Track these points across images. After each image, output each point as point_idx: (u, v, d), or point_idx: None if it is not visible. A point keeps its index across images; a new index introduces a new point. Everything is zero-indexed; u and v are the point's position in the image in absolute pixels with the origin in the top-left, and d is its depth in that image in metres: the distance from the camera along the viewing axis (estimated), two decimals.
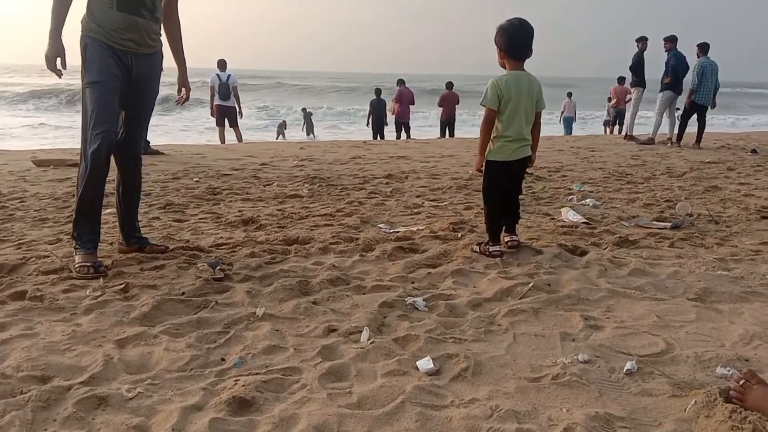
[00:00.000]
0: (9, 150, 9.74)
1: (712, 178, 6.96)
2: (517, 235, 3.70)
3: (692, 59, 10.72)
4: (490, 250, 3.54)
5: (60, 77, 3.16)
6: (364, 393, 1.95)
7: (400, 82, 15.92)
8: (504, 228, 3.67)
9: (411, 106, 15.85)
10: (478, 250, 3.59)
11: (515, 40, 3.41)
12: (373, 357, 2.21)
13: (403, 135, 15.51)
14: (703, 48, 10.59)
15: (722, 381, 2.02)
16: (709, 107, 10.70)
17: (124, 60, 3.21)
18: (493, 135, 3.49)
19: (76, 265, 3.12)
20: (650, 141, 11.05)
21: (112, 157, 3.28)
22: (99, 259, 3.22)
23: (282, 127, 21.90)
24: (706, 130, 11.03)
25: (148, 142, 8.68)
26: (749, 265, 3.43)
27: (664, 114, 11.24)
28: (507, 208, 3.65)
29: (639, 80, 11.58)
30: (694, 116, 10.81)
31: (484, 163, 3.56)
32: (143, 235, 3.61)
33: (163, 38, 3.43)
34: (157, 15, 3.29)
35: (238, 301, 2.77)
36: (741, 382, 1.82)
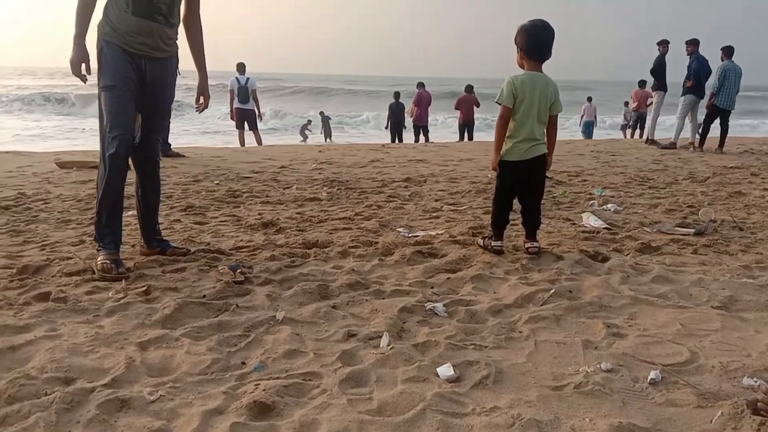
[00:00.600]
0: (33, 152, 9.89)
1: (735, 183, 6.86)
2: (537, 242, 3.67)
3: (715, 63, 10.60)
4: (492, 245, 3.61)
5: (85, 82, 3.23)
6: (385, 399, 1.94)
7: (420, 85, 15.91)
8: (525, 234, 3.70)
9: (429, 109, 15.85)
10: (482, 244, 3.69)
11: (535, 41, 3.44)
12: (393, 363, 2.20)
13: (422, 138, 15.49)
14: (728, 52, 10.46)
15: (749, 392, 1.98)
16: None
17: (139, 64, 3.24)
18: (507, 135, 3.52)
19: (98, 265, 3.16)
20: (672, 145, 10.92)
21: (130, 160, 3.33)
22: (121, 259, 3.25)
23: (305, 128, 22.07)
24: (728, 135, 10.88)
25: (169, 145, 8.76)
26: None
27: (686, 118, 11.10)
28: (526, 213, 3.66)
29: (660, 84, 11.46)
30: (717, 121, 10.68)
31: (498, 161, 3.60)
32: (164, 238, 3.64)
33: (182, 42, 3.46)
34: (172, 20, 3.31)
35: (259, 305, 2.77)
36: None
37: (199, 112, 3.78)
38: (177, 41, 3.44)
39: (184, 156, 8.79)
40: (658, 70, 11.38)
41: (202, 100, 3.65)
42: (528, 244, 3.65)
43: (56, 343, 2.30)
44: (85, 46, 3.15)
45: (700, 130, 10.81)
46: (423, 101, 15.43)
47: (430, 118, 16.22)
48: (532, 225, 3.67)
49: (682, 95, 10.92)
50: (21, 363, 2.15)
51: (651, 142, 11.67)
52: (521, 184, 3.60)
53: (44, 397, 1.90)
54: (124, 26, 3.16)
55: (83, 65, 3.15)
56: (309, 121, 23.05)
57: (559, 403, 1.94)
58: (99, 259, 3.20)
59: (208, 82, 3.67)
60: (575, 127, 19.33)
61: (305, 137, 21.22)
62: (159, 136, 3.54)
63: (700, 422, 1.83)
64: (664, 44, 11.35)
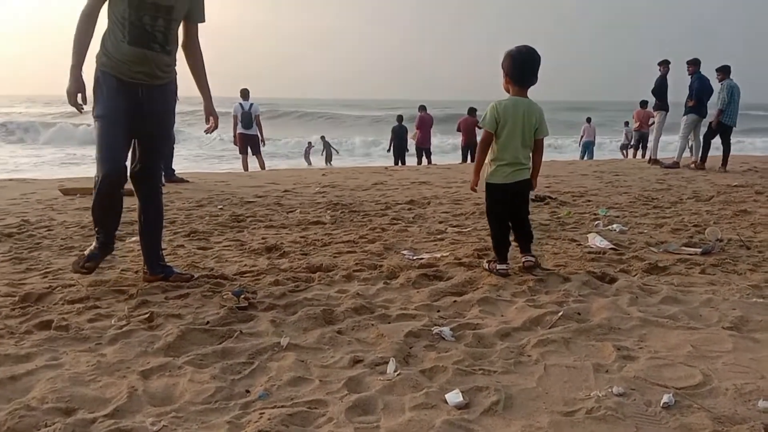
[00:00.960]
0: (37, 179, 9.92)
1: (740, 202, 6.82)
2: (533, 256, 3.72)
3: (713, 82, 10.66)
4: (497, 268, 3.62)
5: (81, 112, 3.27)
6: (392, 427, 1.90)
7: (422, 108, 15.98)
8: (519, 249, 3.76)
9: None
10: (487, 267, 3.69)
11: (520, 67, 3.52)
12: (400, 389, 2.16)
13: (424, 161, 15.52)
14: (726, 70, 10.52)
15: (765, 416, 1.94)
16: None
17: (135, 92, 3.27)
18: (490, 158, 3.63)
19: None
20: (675, 165, 10.91)
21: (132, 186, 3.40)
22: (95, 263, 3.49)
23: (308, 151, 22.22)
24: (732, 153, 10.88)
25: (173, 171, 8.79)
26: None
27: (689, 137, 11.11)
28: (516, 229, 3.75)
29: (662, 104, 11.49)
30: (717, 139, 10.69)
31: (479, 183, 3.72)
32: (168, 264, 3.62)
33: (183, 68, 3.48)
34: (168, 48, 3.32)
35: (263, 331, 2.74)
36: None
37: (208, 134, 3.80)
38: (175, 67, 3.45)
39: (187, 181, 8.80)
40: (660, 90, 11.42)
41: (211, 120, 3.65)
42: (524, 259, 3.70)
43: (57, 373, 2.27)
44: (81, 76, 3.20)
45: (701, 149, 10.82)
46: (425, 124, 15.49)
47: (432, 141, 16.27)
48: (524, 239, 3.74)
49: (684, 115, 10.93)
50: (21, 393, 2.12)
51: (654, 161, 11.66)
52: (506, 205, 3.69)
53: (44, 429, 1.86)
54: (120, 55, 3.19)
55: (79, 95, 3.19)
56: (310, 143, 23.19)
57: (572, 429, 1.89)
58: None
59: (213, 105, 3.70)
60: (576, 146, 19.46)
61: (310, 162, 21.34)
62: (158, 162, 3.54)
63: None
64: (665, 64, 11.41)
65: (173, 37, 3.35)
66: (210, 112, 3.67)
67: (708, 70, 10.72)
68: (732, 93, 10.35)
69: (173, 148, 8.90)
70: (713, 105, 10.50)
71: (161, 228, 3.67)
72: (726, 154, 10.66)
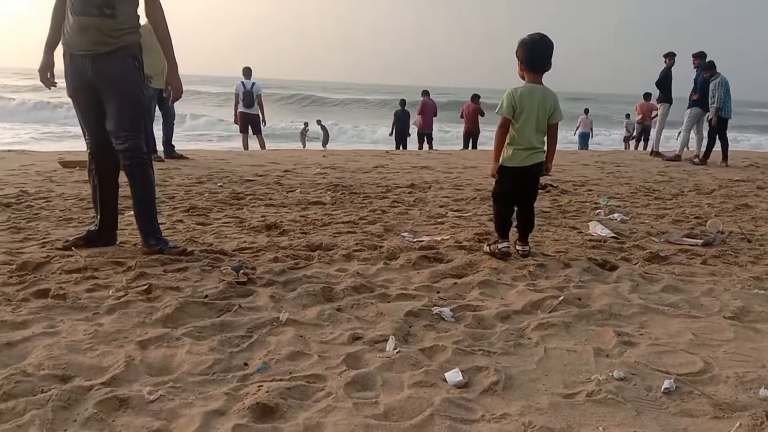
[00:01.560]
0: (37, 151, 9.86)
1: (741, 196, 6.80)
2: (529, 246, 3.76)
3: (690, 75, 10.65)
4: (500, 247, 3.67)
5: (49, 89, 3.46)
6: (391, 404, 1.89)
7: (425, 93, 15.88)
8: (517, 236, 3.78)
9: (434, 118, 15.82)
10: (489, 250, 3.72)
11: (534, 54, 3.58)
12: (399, 367, 2.15)
13: (426, 146, 15.47)
14: (714, 66, 10.49)
15: (766, 403, 1.93)
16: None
17: (84, 64, 3.29)
18: (507, 142, 3.65)
19: None
20: (677, 158, 10.87)
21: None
22: (79, 237, 3.59)
23: (304, 133, 22.12)
24: (734, 149, 10.84)
25: (173, 147, 8.73)
26: None
27: (692, 131, 11.07)
28: (521, 215, 3.78)
29: (666, 96, 11.43)
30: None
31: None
32: (164, 237, 3.59)
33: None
34: (108, 11, 3.23)
35: (262, 306, 2.72)
36: None
37: (171, 103, 3.78)
38: (130, 33, 3.35)
39: (187, 158, 8.75)
40: (664, 82, 11.35)
41: (169, 90, 3.60)
42: (519, 247, 3.75)
43: (54, 340, 2.25)
44: (51, 54, 3.32)
45: (704, 143, 10.78)
46: (428, 109, 15.41)
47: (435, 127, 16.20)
48: (525, 228, 3.79)
49: (688, 108, 10.88)
50: (18, 359, 2.10)
51: (656, 154, 11.62)
52: (519, 187, 3.73)
53: (40, 395, 1.84)
54: (69, 28, 3.24)
55: (49, 73, 3.35)
56: (306, 124, 23.07)
57: (571, 411, 1.88)
58: None
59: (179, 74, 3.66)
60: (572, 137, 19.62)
61: (305, 144, 21.26)
62: (129, 132, 3.39)
63: None
64: (670, 56, 11.32)
65: (117, 1, 3.26)
66: (170, 81, 3.61)
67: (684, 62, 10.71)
68: (727, 89, 10.33)
69: (173, 124, 8.78)
70: (718, 100, 10.41)
71: (148, 202, 3.56)
72: (725, 148, 10.62)
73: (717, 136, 10.60)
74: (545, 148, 3.70)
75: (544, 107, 3.58)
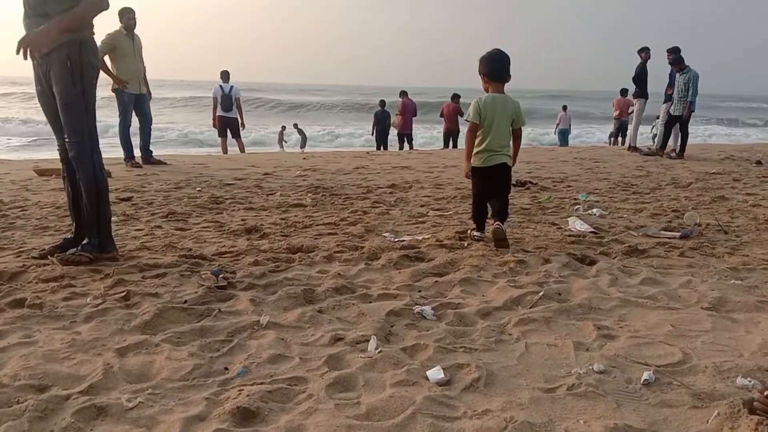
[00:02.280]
0: (11, 159, 9.71)
1: (718, 188, 6.90)
2: (501, 223, 3.94)
3: (664, 69, 10.83)
4: (474, 234, 4.13)
5: None
6: (373, 404, 1.88)
7: (403, 93, 15.90)
8: (494, 220, 3.98)
9: (414, 118, 15.84)
10: (469, 234, 4.16)
11: (494, 66, 4.03)
12: (381, 367, 2.14)
13: (406, 146, 15.48)
14: (682, 59, 10.64)
15: (744, 392, 1.95)
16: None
17: (35, 68, 3.31)
18: (476, 144, 4.07)
19: None
20: (656, 152, 10.99)
21: None
22: (54, 246, 3.53)
23: (281, 136, 22.02)
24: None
25: (151, 152, 8.65)
26: (762, 274, 3.37)
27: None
28: (496, 204, 4.07)
29: (642, 91, 11.55)
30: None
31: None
32: (87, 243, 3.42)
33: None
34: (39, 10, 3.17)
35: (242, 310, 2.70)
36: (765, 393, 1.75)
37: (24, 59, 3.45)
38: (72, 30, 3.21)
39: (165, 163, 8.67)
40: (640, 77, 11.46)
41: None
42: (495, 222, 3.92)
43: (31, 350, 2.21)
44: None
45: (676, 139, 10.95)
46: (407, 110, 15.43)
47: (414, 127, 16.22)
48: (500, 213, 4.04)
49: (663, 103, 11.00)
50: None
51: (633, 149, 11.75)
52: (488, 184, 4.09)
53: (16, 406, 1.81)
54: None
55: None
56: (283, 127, 22.96)
57: (552, 405, 1.89)
58: None
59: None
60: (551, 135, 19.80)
61: (282, 147, 21.15)
62: (71, 135, 3.32)
63: (696, 422, 1.79)
64: (645, 51, 11.43)
65: (45, 1, 3.18)
66: (28, 34, 3.16)
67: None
68: (697, 83, 10.54)
69: (150, 129, 8.66)
70: (690, 95, 10.55)
71: (87, 204, 3.41)
72: (685, 140, 10.81)
73: (681, 129, 10.77)
74: (509, 150, 4.09)
75: (506, 114, 4.01)
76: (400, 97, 15.83)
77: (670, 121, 10.80)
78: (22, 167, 8.03)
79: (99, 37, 3.35)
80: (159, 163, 8.60)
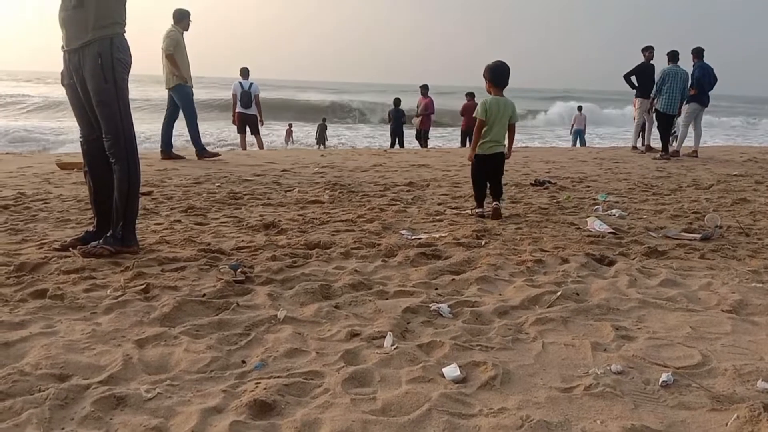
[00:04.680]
0: (34, 153, 9.85)
1: (740, 191, 6.81)
2: (498, 203, 4.97)
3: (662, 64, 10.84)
4: (475, 211, 5.02)
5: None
6: (389, 399, 1.89)
7: (424, 88, 15.69)
8: (492, 200, 5.01)
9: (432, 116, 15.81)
10: (471, 212, 5.06)
11: (497, 74, 4.99)
12: (397, 363, 2.15)
13: (423, 144, 15.46)
14: (674, 56, 10.55)
15: (764, 395, 1.93)
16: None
17: (66, 62, 3.34)
18: (481, 136, 5.01)
19: None
20: (675, 153, 10.87)
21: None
22: (76, 238, 3.57)
23: (289, 133, 22.11)
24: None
25: (171, 146, 8.74)
26: None
27: (689, 126, 11.08)
28: (492, 188, 5.08)
29: (642, 91, 11.41)
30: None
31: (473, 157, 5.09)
32: (111, 236, 3.45)
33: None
34: (75, 2, 3.17)
35: (260, 304, 2.72)
36: None
37: None
38: (104, 27, 3.24)
39: (184, 158, 8.75)
40: (641, 75, 11.29)
41: None
42: (494, 203, 4.94)
43: (52, 340, 2.25)
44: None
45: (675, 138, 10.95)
46: (430, 110, 15.42)
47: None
48: (495, 194, 5.07)
49: (686, 104, 10.87)
50: (15, 359, 2.10)
51: (633, 148, 11.76)
52: (486, 169, 5.05)
53: (38, 394, 1.84)
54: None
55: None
56: (290, 125, 23.03)
57: (569, 405, 1.88)
58: None
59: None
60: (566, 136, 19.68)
61: (287, 145, 21.19)
62: (107, 132, 3.36)
63: (714, 425, 1.77)
64: (649, 51, 11.29)
65: None
66: None
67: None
68: (664, 80, 10.59)
69: (196, 123, 8.90)
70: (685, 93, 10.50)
71: (117, 200, 3.45)
72: (667, 140, 10.76)
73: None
74: (506, 142, 5.05)
75: (506, 112, 4.95)
76: (421, 93, 15.64)
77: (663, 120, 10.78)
78: (45, 161, 8.15)
79: (128, 36, 3.37)
80: (179, 157, 8.71)
